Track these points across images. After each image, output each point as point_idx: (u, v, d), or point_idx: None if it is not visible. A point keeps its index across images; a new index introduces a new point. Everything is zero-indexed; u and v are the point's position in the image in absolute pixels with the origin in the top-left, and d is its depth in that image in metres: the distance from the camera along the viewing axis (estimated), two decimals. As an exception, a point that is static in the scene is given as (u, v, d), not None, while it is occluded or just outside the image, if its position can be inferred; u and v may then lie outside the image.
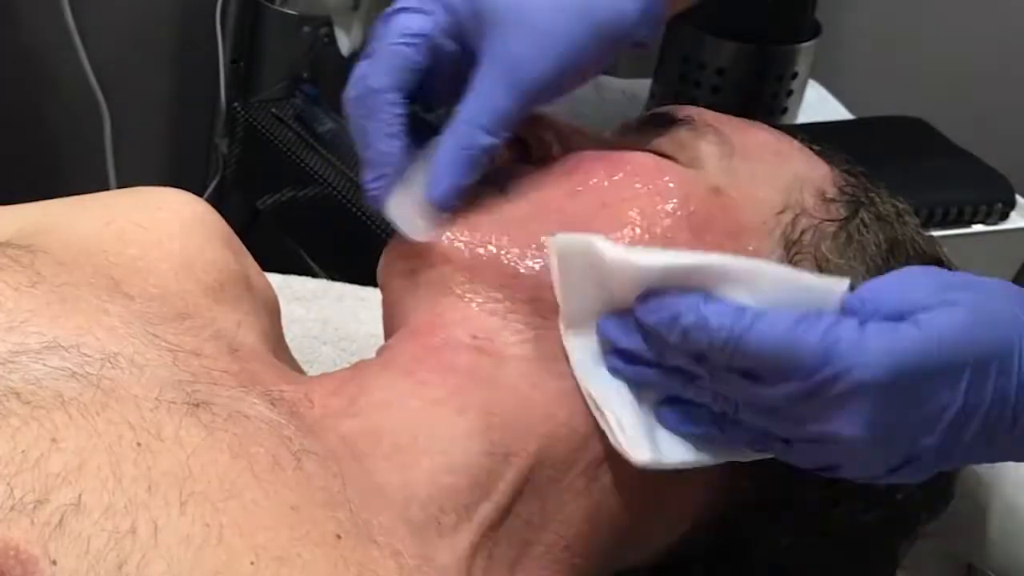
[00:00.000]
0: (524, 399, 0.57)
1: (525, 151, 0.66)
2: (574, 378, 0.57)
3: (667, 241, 0.59)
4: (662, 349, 0.54)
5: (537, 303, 0.59)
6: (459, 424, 0.56)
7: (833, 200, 0.63)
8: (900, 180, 0.69)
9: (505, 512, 0.56)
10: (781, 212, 0.62)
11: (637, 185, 0.61)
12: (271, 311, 0.68)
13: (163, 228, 0.65)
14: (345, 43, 1.55)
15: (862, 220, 0.63)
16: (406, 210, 0.61)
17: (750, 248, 0.60)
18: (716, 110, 0.67)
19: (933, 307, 0.50)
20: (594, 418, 0.57)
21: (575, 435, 0.57)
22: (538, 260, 0.59)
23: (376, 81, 0.61)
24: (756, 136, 0.65)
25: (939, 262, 0.65)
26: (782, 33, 1.37)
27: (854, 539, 0.62)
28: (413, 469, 0.55)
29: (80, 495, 0.45)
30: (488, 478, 0.56)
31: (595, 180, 0.62)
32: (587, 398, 0.57)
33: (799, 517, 0.61)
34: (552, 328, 0.58)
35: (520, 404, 0.57)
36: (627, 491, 0.58)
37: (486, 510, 0.55)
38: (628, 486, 0.58)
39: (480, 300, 0.59)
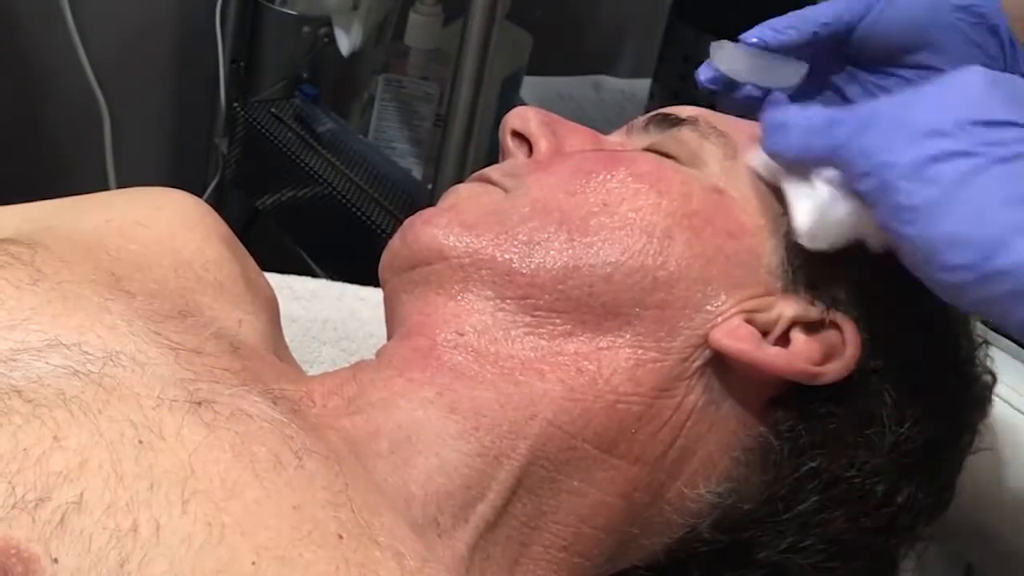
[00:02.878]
0: (508, 399, 0.57)
1: (528, 148, 0.66)
2: (560, 379, 0.57)
3: (667, 240, 0.59)
4: None
5: (528, 301, 0.59)
6: (449, 425, 0.56)
7: None
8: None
9: (501, 513, 0.56)
10: (784, 214, 0.62)
11: (638, 184, 0.61)
12: (271, 311, 0.68)
13: (163, 226, 0.65)
14: (345, 43, 1.56)
15: None
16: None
17: (751, 248, 0.60)
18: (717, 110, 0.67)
19: None
20: (582, 418, 0.57)
21: (564, 435, 0.57)
22: (534, 259, 0.59)
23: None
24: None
25: None
26: (782, 34, 1.37)
27: (854, 541, 0.62)
28: (409, 470, 0.55)
29: (82, 493, 0.45)
30: (481, 479, 0.56)
31: (596, 179, 0.62)
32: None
33: (799, 519, 0.61)
34: (539, 326, 0.58)
35: (505, 404, 0.57)
36: (623, 489, 0.58)
37: (482, 511, 0.55)
38: (624, 484, 0.58)
39: (471, 298, 0.60)
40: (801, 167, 0.58)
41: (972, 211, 0.49)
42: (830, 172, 0.56)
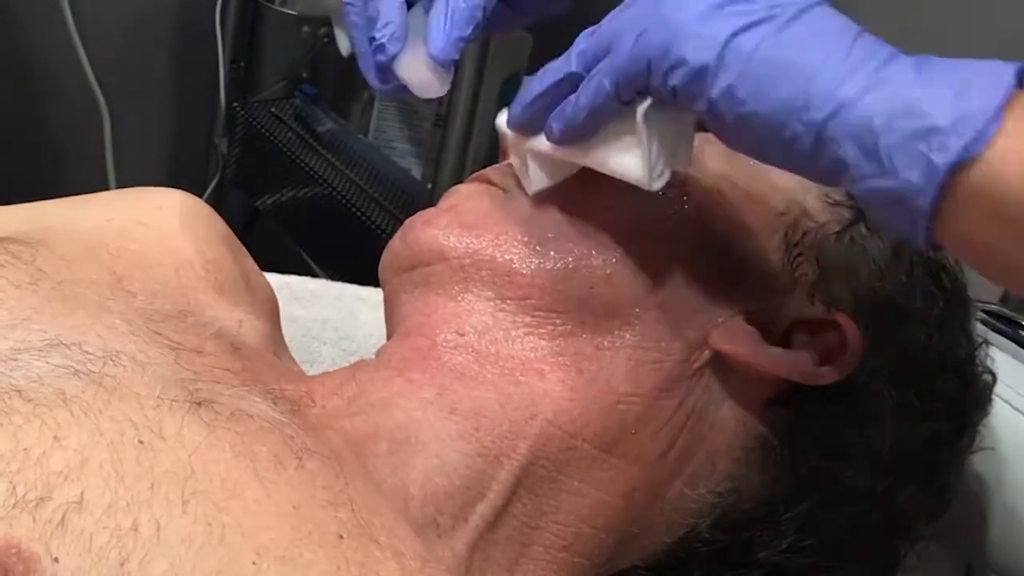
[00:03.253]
0: (509, 399, 0.57)
1: None
2: (561, 380, 0.57)
3: (669, 240, 0.59)
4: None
5: (528, 302, 0.59)
6: (449, 426, 0.56)
7: (837, 204, 0.63)
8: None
9: (501, 513, 0.56)
10: (783, 214, 0.62)
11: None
12: (270, 311, 0.68)
13: (164, 226, 0.65)
14: (345, 43, 1.56)
15: (866, 224, 0.63)
16: (417, 69, 0.60)
17: (751, 248, 0.60)
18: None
19: None
20: (582, 418, 0.57)
21: (565, 435, 0.57)
22: (534, 260, 0.59)
23: None
24: None
25: (944, 268, 0.65)
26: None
27: (854, 541, 0.62)
28: (408, 470, 0.55)
29: (82, 493, 0.45)
30: (481, 480, 0.56)
31: (596, 180, 0.62)
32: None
33: (799, 519, 0.61)
34: (539, 327, 0.58)
35: (505, 405, 0.57)
36: (623, 489, 0.58)
37: (481, 511, 0.56)
38: (624, 484, 0.58)
39: (471, 298, 0.60)
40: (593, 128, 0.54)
41: (796, 71, 0.46)
42: (620, 123, 0.53)
